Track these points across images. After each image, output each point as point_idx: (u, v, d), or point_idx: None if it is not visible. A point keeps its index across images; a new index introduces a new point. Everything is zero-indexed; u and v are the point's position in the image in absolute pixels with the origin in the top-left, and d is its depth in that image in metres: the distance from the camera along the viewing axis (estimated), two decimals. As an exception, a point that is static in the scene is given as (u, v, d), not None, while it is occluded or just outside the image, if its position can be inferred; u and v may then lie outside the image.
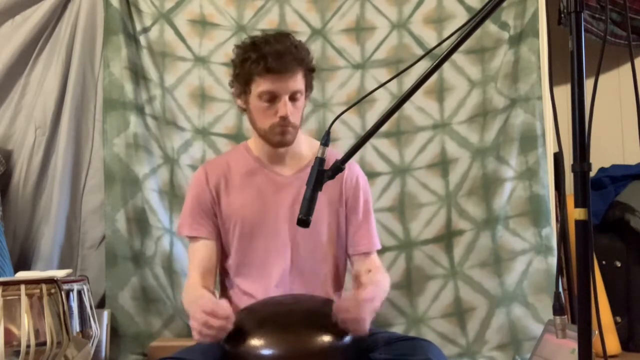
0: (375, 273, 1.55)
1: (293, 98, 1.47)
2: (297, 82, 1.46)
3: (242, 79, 1.49)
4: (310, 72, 1.52)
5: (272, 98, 1.46)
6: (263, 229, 1.53)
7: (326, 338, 1.24)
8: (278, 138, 1.50)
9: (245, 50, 1.48)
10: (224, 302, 1.29)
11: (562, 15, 2.50)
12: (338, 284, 1.61)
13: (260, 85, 1.45)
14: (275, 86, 1.44)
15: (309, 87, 1.53)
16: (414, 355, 1.24)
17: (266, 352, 1.21)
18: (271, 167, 1.57)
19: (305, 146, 1.60)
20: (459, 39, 1.03)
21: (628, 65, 2.16)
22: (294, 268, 1.52)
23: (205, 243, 1.56)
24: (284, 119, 1.45)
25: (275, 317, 1.31)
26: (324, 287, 1.56)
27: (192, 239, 1.57)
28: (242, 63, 1.47)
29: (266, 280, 1.52)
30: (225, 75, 2.34)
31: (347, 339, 1.26)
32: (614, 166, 2.65)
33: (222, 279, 1.64)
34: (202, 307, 1.25)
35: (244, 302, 1.50)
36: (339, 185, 1.58)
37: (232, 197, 1.55)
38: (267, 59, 1.42)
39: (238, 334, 1.26)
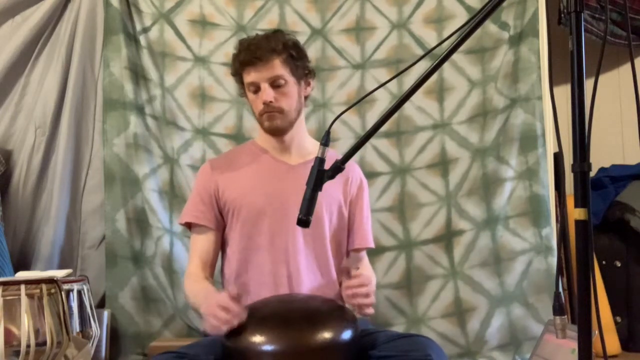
0: (364, 270, 1.64)
1: (275, 85, 1.55)
2: (274, 68, 1.54)
3: (235, 76, 1.62)
4: (292, 57, 1.57)
5: (257, 88, 1.56)
6: (270, 213, 1.56)
7: (327, 335, 1.24)
8: (267, 124, 1.58)
9: (236, 48, 1.60)
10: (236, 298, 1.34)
11: (562, 15, 2.50)
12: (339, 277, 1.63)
13: (245, 78, 1.58)
14: (253, 76, 1.55)
15: (295, 72, 1.58)
16: (414, 352, 1.25)
17: (268, 348, 1.22)
18: (277, 155, 1.63)
19: (310, 144, 1.67)
20: (459, 39, 1.03)
21: (628, 65, 2.17)
22: (301, 256, 1.54)
23: (205, 232, 1.61)
24: (267, 104, 1.54)
25: (277, 313, 1.32)
26: (332, 279, 1.59)
27: (193, 227, 1.62)
28: (232, 61, 1.61)
29: (274, 266, 1.54)
30: (225, 75, 2.34)
31: (348, 335, 1.27)
32: (614, 166, 2.65)
33: (222, 268, 1.66)
34: (219, 302, 1.30)
35: (248, 293, 1.53)
36: (343, 183, 1.65)
37: (236, 181, 1.60)
38: (241, 53, 1.56)
39: (240, 331, 1.27)
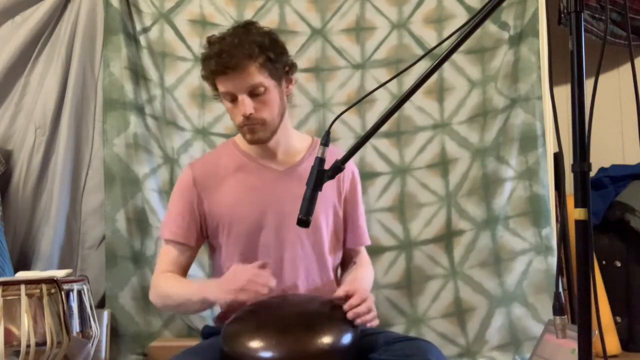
0: (360, 266, 1.61)
1: (254, 94, 1.40)
2: (251, 77, 1.38)
3: (206, 80, 1.47)
4: (271, 60, 1.41)
5: (234, 97, 1.42)
6: (263, 227, 1.49)
7: (326, 340, 1.23)
8: (248, 136, 1.46)
9: (205, 48, 1.44)
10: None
11: (562, 15, 2.50)
12: (337, 278, 1.62)
13: (219, 87, 1.43)
14: (229, 86, 1.41)
15: (275, 74, 1.43)
16: (414, 356, 1.24)
17: (266, 354, 1.20)
18: (263, 162, 1.52)
19: (297, 141, 1.57)
20: (459, 39, 1.03)
21: (628, 65, 2.17)
22: (300, 263, 1.52)
23: (184, 250, 1.52)
24: (247, 117, 1.41)
25: (275, 319, 1.30)
26: (330, 280, 1.57)
27: (170, 242, 1.52)
28: (202, 63, 1.45)
29: (276, 277, 1.50)
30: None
31: (348, 339, 1.25)
32: (614, 166, 2.65)
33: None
34: (254, 272, 1.34)
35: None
36: (335, 179, 1.57)
37: (223, 195, 1.50)
38: (212, 60, 1.39)
39: (237, 337, 1.25)
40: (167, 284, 1.49)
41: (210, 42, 1.43)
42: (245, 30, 1.42)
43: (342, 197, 1.59)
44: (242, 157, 1.53)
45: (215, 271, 1.61)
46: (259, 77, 1.39)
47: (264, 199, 1.50)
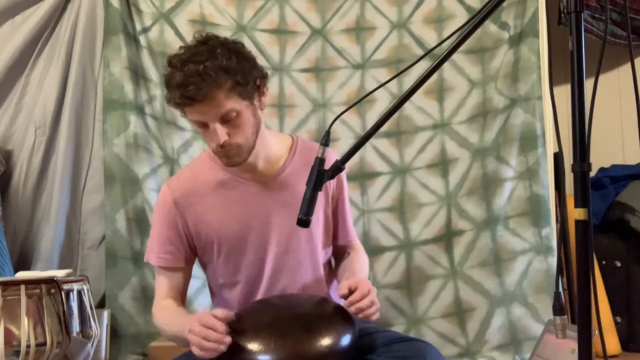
0: (355, 259, 1.58)
1: (226, 120, 1.31)
2: (221, 105, 1.29)
3: (171, 105, 1.36)
4: (240, 83, 1.30)
5: (204, 124, 1.33)
6: (253, 242, 1.45)
7: (325, 342, 1.22)
8: (225, 161, 1.39)
9: (166, 71, 1.34)
10: (220, 313, 1.25)
11: (562, 15, 2.50)
12: (330, 278, 1.61)
13: (188, 115, 1.34)
14: (198, 116, 1.32)
15: (246, 94, 1.33)
16: (413, 357, 1.23)
17: (264, 357, 1.20)
18: (244, 176, 1.46)
19: (277, 147, 1.50)
20: (459, 39, 1.03)
21: (628, 65, 2.17)
22: (291, 273, 1.49)
23: (175, 271, 1.47)
24: (222, 146, 1.33)
25: (273, 322, 1.29)
26: (320, 276, 1.55)
27: (160, 268, 1.47)
28: (166, 88, 1.34)
29: (265, 291, 1.48)
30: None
31: (346, 342, 1.25)
32: (614, 166, 2.65)
33: (213, 300, 1.60)
34: (201, 320, 1.21)
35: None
36: None
37: (206, 215, 1.45)
38: (176, 91, 1.29)
39: (235, 340, 1.24)
40: (161, 317, 1.45)
41: (172, 64, 1.32)
42: (209, 51, 1.31)
43: (329, 196, 1.56)
44: (221, 172, 1.47)
45: (210, 283, 1.59)
46: (229, 104, 1.30)
47: (250, 215, 1.45)
